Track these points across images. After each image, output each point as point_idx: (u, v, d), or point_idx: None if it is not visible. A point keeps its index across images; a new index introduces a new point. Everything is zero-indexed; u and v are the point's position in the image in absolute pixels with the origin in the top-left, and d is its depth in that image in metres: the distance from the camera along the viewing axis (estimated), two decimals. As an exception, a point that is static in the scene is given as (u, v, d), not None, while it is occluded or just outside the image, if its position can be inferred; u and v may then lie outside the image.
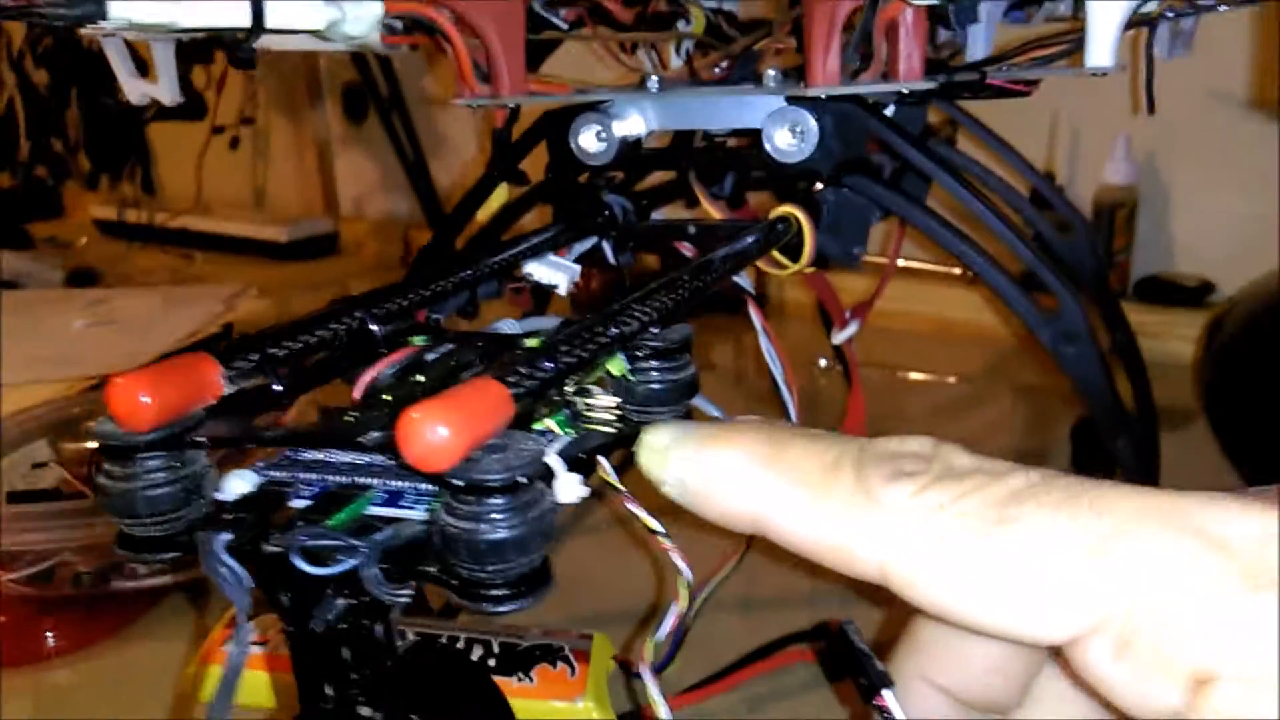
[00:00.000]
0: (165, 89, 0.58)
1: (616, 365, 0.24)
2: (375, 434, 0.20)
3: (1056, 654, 0.23)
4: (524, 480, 0.19)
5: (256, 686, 0.43)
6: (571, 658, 0.44)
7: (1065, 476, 0.19)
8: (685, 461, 0.22)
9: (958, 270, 0.97)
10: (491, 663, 0.43)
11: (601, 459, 0.24)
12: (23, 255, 1.29)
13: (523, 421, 0.21)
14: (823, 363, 0.87)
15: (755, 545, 0.44)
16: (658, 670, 0.46)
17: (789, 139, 0.35)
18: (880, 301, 0.56)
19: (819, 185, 0.36)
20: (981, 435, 0.76)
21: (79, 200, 1.66)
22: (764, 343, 0.44)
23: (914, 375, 0.91)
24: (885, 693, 0.23)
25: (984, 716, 0.25)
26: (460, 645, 0.44)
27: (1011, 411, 0.83)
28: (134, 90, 0.58)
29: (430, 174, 1.25)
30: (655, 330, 0.26)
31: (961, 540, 0.19)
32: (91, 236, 1.53)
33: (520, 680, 0.43)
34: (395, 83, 1.21)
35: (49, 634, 0.53)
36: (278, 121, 1.50)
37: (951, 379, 0.90)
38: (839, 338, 0.54)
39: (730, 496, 0.21)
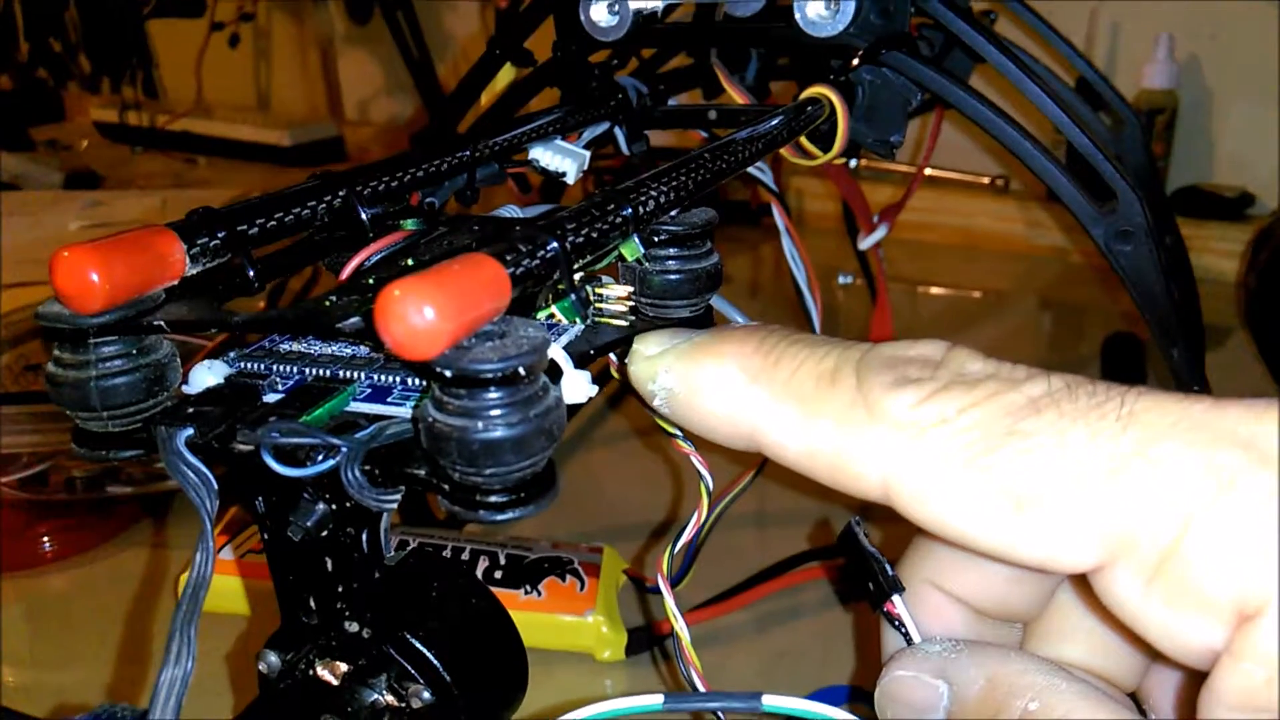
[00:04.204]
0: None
1: (630, 249, 0.22)
2: (355, 320, 0.18)
3: (1079, 583, 0.21)
4: (523, 372, 0.16)
5: (229, 593, 0.42)
6: (581, 571, 0.42)
7: (1092, 383, 0.17)
8: (671, 372, 0.20)
9: (986, 180, 0.93)
10: (498, 575, 0.42)
11: (614, 357, 0.22)
12: (21, 157, 1.26)
13: (523, 308, 0.19)
14: (843, 279, 0.84)
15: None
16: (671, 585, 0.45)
17: (821, 9, 0.32)
18: (906, 212, 0.52)
19: (854, 63, 0.32)
20: (1008, 351, 0.74)
21: (80, 103, 1.61)
22: (786, 243, 0.42)
23: (939, 289, 0.88)
24: (895, 599, 0.22)
25: (1001, 626, 0.23)
26: (465, 557, 0.43)
27: (1040, 326, 0.81)
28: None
29: (438, 77, 1.21)
30: (674, 214, 0.23)
31: (966, 455, 0.17)
32: (93, 139, 1.49)
33: (528, 593, 0.41)
34: (400, -20, 1.16)
35: (45, 539, 0.52)
36: (279, 20, 1.45)
37: (977, 293, 0.87)
38: (865, 242, 0.51)
39: (718, 411, 0.19)
